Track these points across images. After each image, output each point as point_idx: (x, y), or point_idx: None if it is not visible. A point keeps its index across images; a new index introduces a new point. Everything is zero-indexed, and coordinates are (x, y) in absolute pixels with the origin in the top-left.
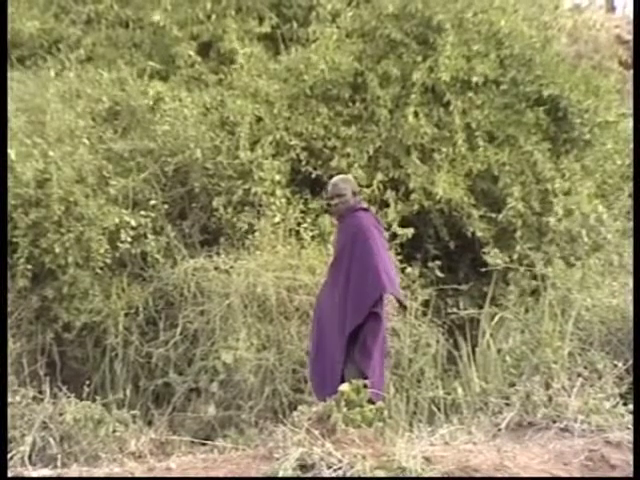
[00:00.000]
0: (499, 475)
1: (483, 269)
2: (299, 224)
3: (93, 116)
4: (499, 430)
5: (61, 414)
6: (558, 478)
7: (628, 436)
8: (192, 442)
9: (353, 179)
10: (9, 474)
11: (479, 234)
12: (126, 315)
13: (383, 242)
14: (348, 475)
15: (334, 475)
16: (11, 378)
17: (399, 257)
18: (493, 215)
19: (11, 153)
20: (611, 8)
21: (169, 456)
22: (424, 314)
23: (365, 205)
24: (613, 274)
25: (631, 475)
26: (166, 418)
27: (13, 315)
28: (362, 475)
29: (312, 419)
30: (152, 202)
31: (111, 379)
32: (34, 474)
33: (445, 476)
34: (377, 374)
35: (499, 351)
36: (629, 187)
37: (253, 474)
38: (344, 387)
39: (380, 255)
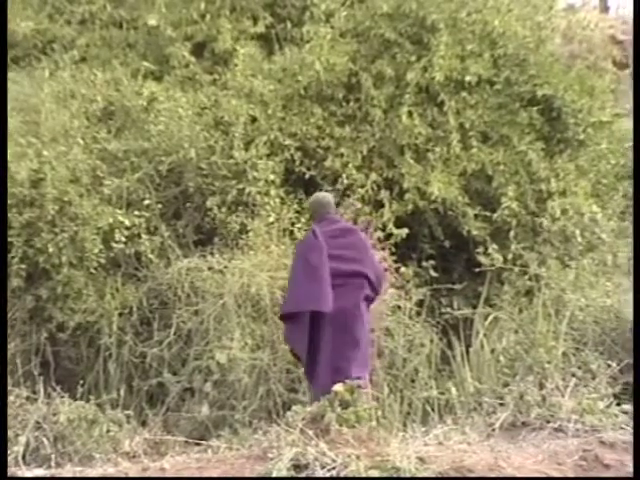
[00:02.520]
0: (493, 475)
1: (477, 269)
2: (293, 224)
3: (87, 116)
4: (493, 430)
5: (55, 414)
6: (557, 478)
7: (622, 436)
8: (186, 442)
9: (319, 198)
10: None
11: (474, 233)
12: (120, 315)
13: (317, 255)
14: (342, 475)
15: (328, 475)
16: None
17: (393, 257)
18: (488, 214)
19: None
20: (605, 8)
21: (163, 456)
22: (418, 314)
23: (324, 219)
24: (607, 274)
25: (625, 475)
26: (160, 418)
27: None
28: (356, 475)
29: (306, 419)
30: (146, 202)
31: (105, 379)
32: (28, 474)
33: (439, 476)
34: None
35: (493, 351)
36: (623, 187)
37: (247, 474)
38: (338, 387)
39: (294, 273)
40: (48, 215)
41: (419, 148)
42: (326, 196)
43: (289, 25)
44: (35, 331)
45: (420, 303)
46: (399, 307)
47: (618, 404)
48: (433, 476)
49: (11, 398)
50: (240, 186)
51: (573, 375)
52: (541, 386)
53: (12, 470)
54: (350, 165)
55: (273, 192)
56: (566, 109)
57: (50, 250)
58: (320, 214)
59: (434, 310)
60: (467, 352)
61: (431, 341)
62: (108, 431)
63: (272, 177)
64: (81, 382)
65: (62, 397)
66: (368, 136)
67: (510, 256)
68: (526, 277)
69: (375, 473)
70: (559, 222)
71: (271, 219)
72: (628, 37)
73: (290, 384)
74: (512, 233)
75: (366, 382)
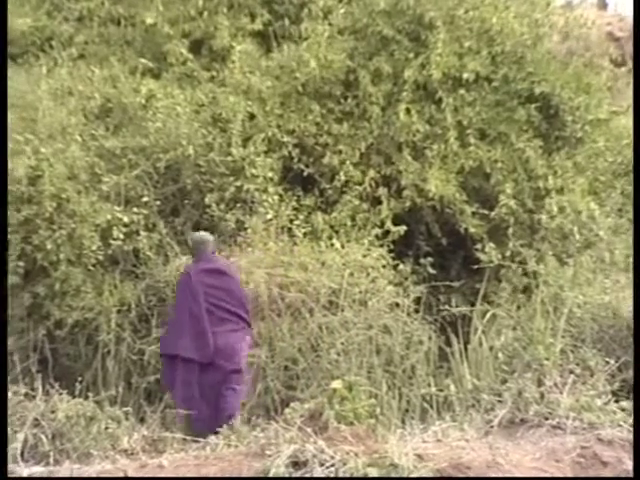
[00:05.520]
0: (491, 472)
1: (475, 266)
2: (291, 221)
3: (85, 113)
4: (491, 427)
5: (53, 411)
6: (556, 478)
7: (620, 433)
8: (184, 439)
9: (199, 237)
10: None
11: (472, 230)
12: (118, 312)
13: (189, 298)
14: (340, 472)
15: (326, 472)
16: None
17: (391, 254)
18: (485, 212)
19: None
20: (603, 5)
21: (161, 453)
22: (416, 311)
23: (202, 259)
24: (605, 271)
25: (623, 472)
26: (158, 415)
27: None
28: (354, 472)
29: (304, 416)
30: (144, 199)
31: (103, 376)
32: (26, 471)
33: (437, 476)
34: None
35: (491, 348)
36: (621, 184)
37: (245, 471)
38: (336, 384)
39: (174, 315)
40: (46, 212)
41: (417, 145)
42: (205, 235)
43: (287, 22)
44: (33, 328)
45: (418, 300)
46: (397, 304)
47: (616, 401)
48: (431, 475)
49: (9, 395)
50: (238, 183)
51: (571, 372)
52: (539, 383)
53: (10, 467)
54: (348, 162)
55: (271, 189)
56: (563, 106)
57: (48, 247)
58: (200, 252)
59: (432, 307)
60: (465, 349)
61: (429, 338)
62: (106, 428)
63: (270, 174)
64: (79, 379)
65: (60, 394)
66: (366, 133)
67: (508, 253)
68: (524, 274)
69: (373, 470)
70: (557, 219)
71: (269, 216)
72: (625, 34)
73: (288, 381)
74: (510, 230)
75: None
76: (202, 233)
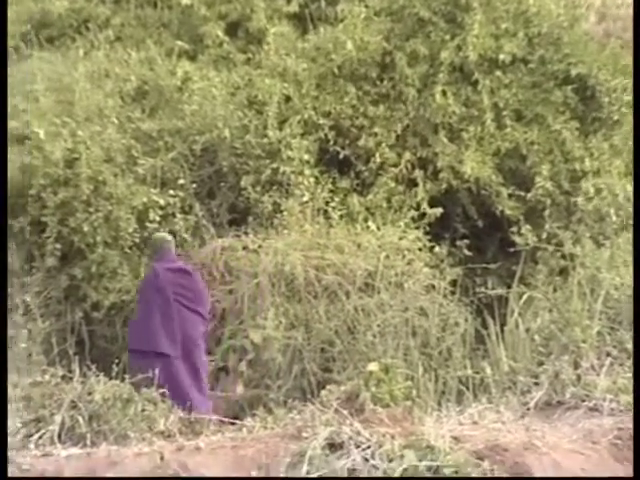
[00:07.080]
0: (528, 454)
1: (512, 248)
2: (327, 203)
3: (121, 96)
4: (528, 409)
5: (90, 393)
6: (556, 478)
7: None
8: (221, 421)
9: (161, 238)
10: (38, 453)
11: (508, 212)
12: None
13: (157, 294)
14: (377, 454)
15: (362, 454)
16: (40, 357)
17: (427, 236)
18: (522, 194)
19: (40, 132)
20: None
21: (198, 435)
22: (452, 293)
23: (164, 258)
24: None
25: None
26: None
27: (42, 294)
28: (390, 454)
29: (341, 398)
30: (180, 181)
31: None
32: (63, 453)
33: (474, 458)
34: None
35: (528, 330)
36: None
37: (281, 453)
38: (372, 366)
39: (141, 312)
40: (83, 195)
41: (453, 127)
42: (166, 236)
43: (323, 4)
44: (70, 310)
45: (454, 282)
46: (433, 286)
47: None
48: (467, 457)
49: (46, 377)
50: (274, 165)
51: (608, 354)
52: (576, 365)
53: (47, 449)
54: (384, 144)
55: (307, 171)
56: (600, 88)
57: (85, 229)
58: (161, 252)
59: (468, 289)
60: (502, 331)
61: (465, 320)
62: (143, 410)
63: (306, 156)
64: (116, 361)
65: (97, 376)
66: (402, 115)
67: (544, 235)
68: (560, 256)
69: (410, 452)
70: (593, 201)
71: (305, 198)
72: None
73: (324, 363)
74: (546, 212)
75: (209, 409)
76: (162, 234)
